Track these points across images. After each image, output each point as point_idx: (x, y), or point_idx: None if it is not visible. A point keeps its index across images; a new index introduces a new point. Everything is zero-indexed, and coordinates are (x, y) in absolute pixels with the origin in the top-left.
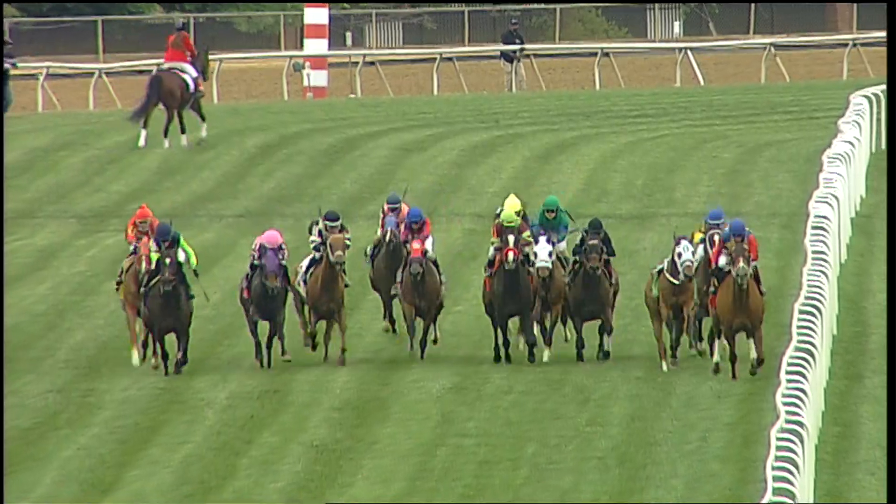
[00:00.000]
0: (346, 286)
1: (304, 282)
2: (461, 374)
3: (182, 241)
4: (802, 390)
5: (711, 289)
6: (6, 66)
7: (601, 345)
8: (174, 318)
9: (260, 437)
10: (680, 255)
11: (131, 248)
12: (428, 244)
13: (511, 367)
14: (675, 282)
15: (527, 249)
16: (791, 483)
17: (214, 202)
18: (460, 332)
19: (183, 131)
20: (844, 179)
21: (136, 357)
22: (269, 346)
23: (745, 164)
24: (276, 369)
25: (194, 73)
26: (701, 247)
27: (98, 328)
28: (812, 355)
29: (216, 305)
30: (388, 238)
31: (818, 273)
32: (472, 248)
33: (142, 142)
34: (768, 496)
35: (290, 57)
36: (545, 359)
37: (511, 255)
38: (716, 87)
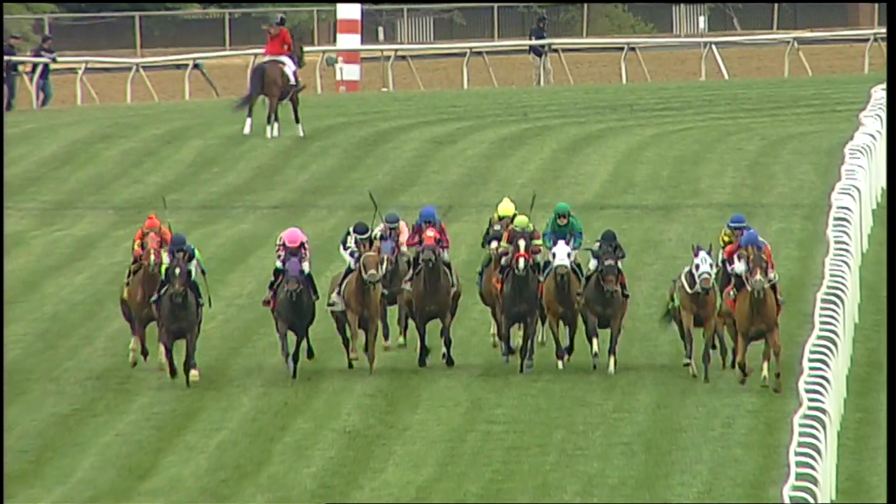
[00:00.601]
0: (383, 294)
1: (341, 294)
2: (490, 363)
3: (198, 252)
4: (825, 377)
5: (731, 293)
6: (47, 60)
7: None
8: (185, 322)
9: (294, 424)
10: (698, 266)
11: (137, 246)
12: (446, 255)
13: (538, 355)
14: (691, 292)
15: (538, 257)
16: (813, 468)
17: (250, 194)
18: (489, 321)
19: (275, 121)
20: (866, 171)
21: (132, 343)
22: (295, 358)
23: (768, 157)
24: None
25: (293, 66)
26: (721, 253)
27: (96, 357)
28: (834, 343)
29: (251, 294)
30: (385, 266)
31: (840, 263)
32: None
33: (247, 129)
34: (791, 481)
35: (324, 52)
36: (560, 366)
37: (522, 261)
38: (739, 81)
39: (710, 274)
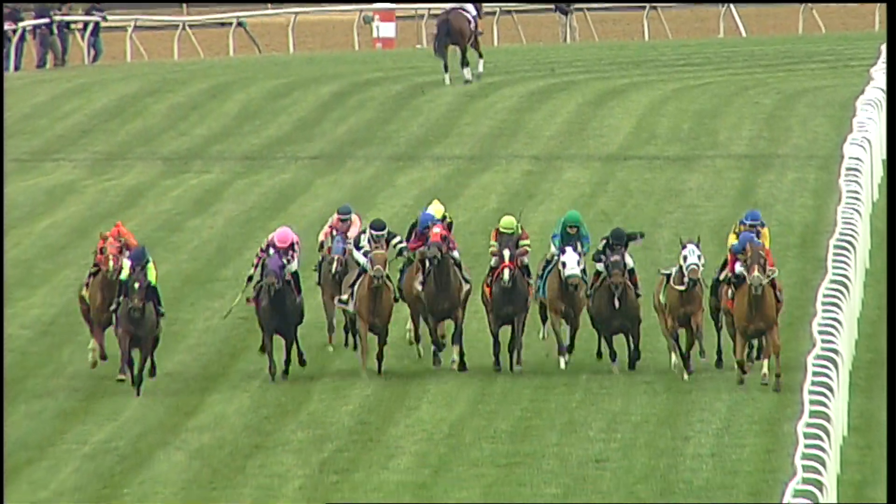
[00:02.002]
0: (395, 300)
1: (353, 295)
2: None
3: (150, 265)
4: (837, 320)
5: (729, 293)
6: (97, 18)
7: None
8: (138, 328)
9: (332, 365)
10: (686, 258)
11: (97, 251)
12: (455, 254)
13: (538, 350)
14: (681, 288)
15: (525, 258)
16: (826, 406)
17: (291, 145)
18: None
19: (466, 65)
20: (876, 124)
21: (92, 343)
22: (286, 363)
23: (783, 110)
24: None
25: (474, 12)
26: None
27: (183, 262)
28: (846, 287)
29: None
30: (335, 267)
31: (852, 211)
32: (529, 188)
33: (467, 75)
34: (805, 418)
35: (361, 10)
36: (562, 366)
37: (507, 272)
38: (756, 38)
39: (698, 265)
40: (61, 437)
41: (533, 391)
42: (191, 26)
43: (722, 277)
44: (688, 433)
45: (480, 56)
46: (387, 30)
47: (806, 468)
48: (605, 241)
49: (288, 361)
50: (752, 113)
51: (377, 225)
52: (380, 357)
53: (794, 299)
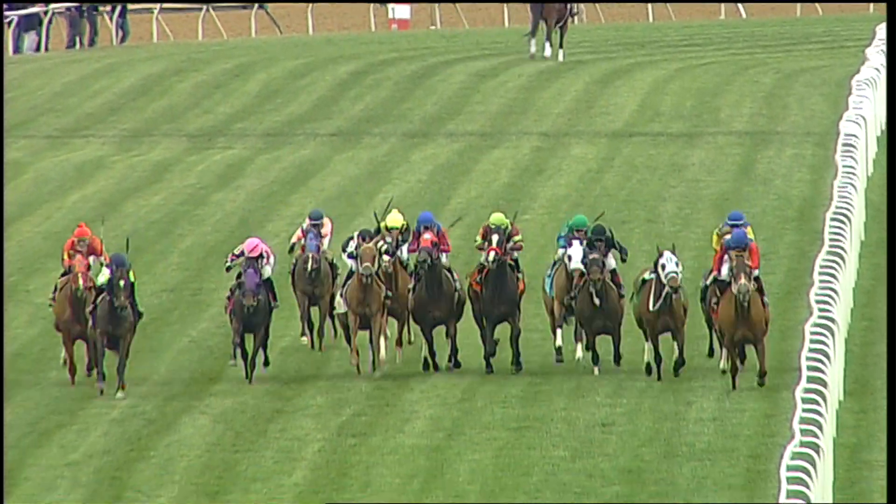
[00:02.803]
0: (386, 297)
1: (343, 295)
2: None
3: (130, 271)
4: (833, 289)
5: (714, 300)
6: (125, 1)
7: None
8: (116, 328)
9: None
10: (664, 266)
11: (66, 256)
12: (445, 259)
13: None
14: (657, 306)
15: (516, 254)
16: (823, 371)
17: (310, 122)
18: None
19: (559, 45)
20: (871, 102)
21: (63, 357)
22: (253, 361)
23: (782, 88)
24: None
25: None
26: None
27: (207, 234)
28: (842, 258)
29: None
30: (310, 266)
31: (847, 185)
32: (539, 163)
33: (547, 52)
34: (803, 384)
35: None
36: (579, 355)
37: (493, 254)
38: (756, 20)
39: (677, 274)
40: (91, 403)
41: (542, 358)
42: (214, 8)
43: (709, 282)
44: (690, 398)
45: (562, 46)
46: (402, 11)
47: (804, 432)
48: (587, 238)
49: (255, 361)
50: (752, 91)
51: (365, 234)
52: (376, 346)
53: (792, 270)
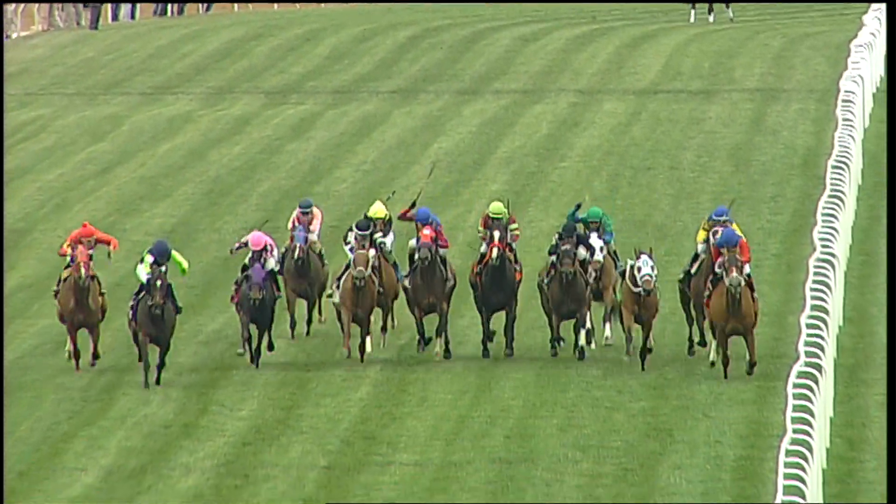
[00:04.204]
0: (379, 292)
1: (339, 287)
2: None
3: (174, 254)
4: (834, 228)
5: (706, 292)
6: None
7: (577, 343)
8: (159, 329)
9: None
10: (640, 269)
11: (68, 258)
12: (443, 251)
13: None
14: (636, 290)
15: (514, 244)
16: (825, 301)
17: (373, 81)
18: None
19: (712, 10)
20: (868, 63)
21: (71, 359)
22: (258, 352)
23: (789, 51)
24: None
25: None
26: (702, 246)
27: (281, 179)
28: (842, 200)
29: (374, 161)
30: (297, 255)
31: (847, 136)
32: (575, 117)
33: (710, 18)
34: (807, 311)
35: None
36: (607, 334)
37: (496, 251)
38: None
39: (651, 276)
40: (182, 328)
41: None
42: None
43: (693, 270)
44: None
45: (727, 6)
46: None
47: (808, 353)
48: (557, 235)
49: (259, 350)
50: (762, 53)
51: (362, 225)
52: (362, 348)
53: (798, 211)
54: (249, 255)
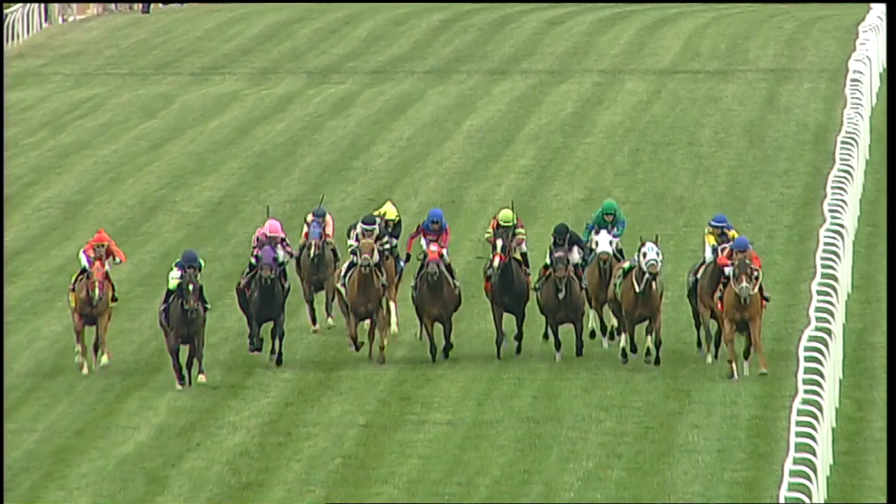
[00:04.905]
0: (383, 287)
1: (345, 284)
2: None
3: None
4: (843, 200)
5: (718, 294)
6: None
7: (578, 345)
8: (191, 331)
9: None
10: (645, 254)
11: (83, 264)
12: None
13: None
14: (638, 289)
15: (523, 246)
16: (834, 268)
17: (409, 62)
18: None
19: None
20: (875, 44)
21: (78, 358)
22: (273, 351)
23: (801, 33)
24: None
25: None
26: (710, 249)
27: (322, 154)
28: (850, 174)
29: (410, 138)
30: (312, 252)
31: (855, 113)
32: (598, 95)
33: None
34: (818, 278)
35: None
36: (605, 345)
37: (497, 261)
38: None
39: (656, 261)
40: (228, 295)
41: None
42: None
43: (699, 276)
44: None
45: None
46: None
47: (818, 318)
48: (552, 239)
49: (277, 347)
50: (776, 36)
51: (368, 220)
52: (371, 337)
53: (809, 184)
54: (255, 246)
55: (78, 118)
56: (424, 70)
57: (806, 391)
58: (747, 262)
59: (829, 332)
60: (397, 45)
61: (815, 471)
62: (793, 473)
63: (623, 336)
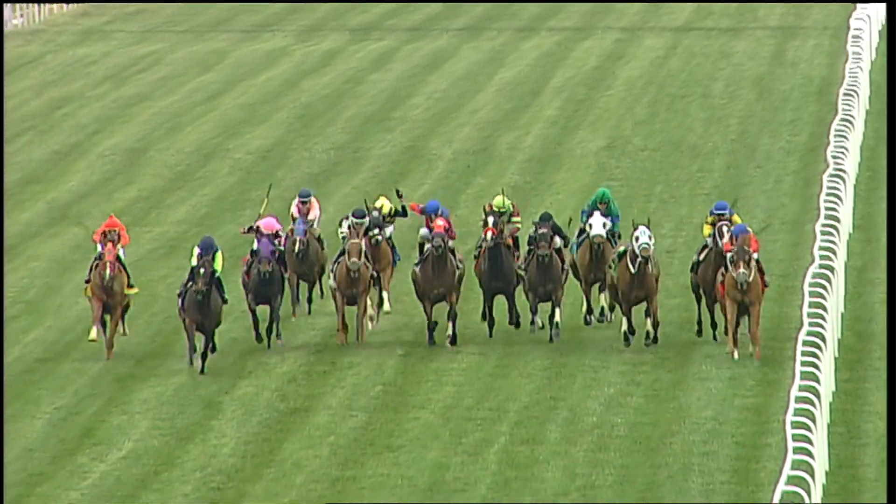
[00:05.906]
0: (372, 276)
1: (333, 271)
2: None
3: (217, 254)
4: (845, 147)
5: (720, 277)
6: None
7: (552, 319)
8: (204, 316)
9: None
10: (637, 238)
11: (97, 250)
12: (451, 243)
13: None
14: (632, 270)
15: (516, 234)
16: (836, 210)
17: (444, 20)
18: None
19: None
20: (874, 3)
21: (93, 332)
22: (268, 332)
23: None
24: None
25: None
26: (708, 238)
27: (364, 105)
28: (851, 123)
29: (427, 109)
30: (297, 248)
31: (856, 67)
32: (619, 51)
33: None
34: (821, 220)
35: None
36: (592, 323)
37: (489, 234)
38: None
39: (648, 244)
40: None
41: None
42: None
43: (702, 258)
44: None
45: None
46: None
47: (822, 257)
48: (534, 223)
49: (270, 329)
50: None
51: (358, 213)
52: (361, 325)
53: (813, 133)
54: (260, 235)
55: (139, 72)
56: (458, 28)
57: (810, 323)
58: (745, 247)
59: (831, 268)
60: (433, 5)
61: (818, 396)
62: (798, 399)
63: (623, 320)
